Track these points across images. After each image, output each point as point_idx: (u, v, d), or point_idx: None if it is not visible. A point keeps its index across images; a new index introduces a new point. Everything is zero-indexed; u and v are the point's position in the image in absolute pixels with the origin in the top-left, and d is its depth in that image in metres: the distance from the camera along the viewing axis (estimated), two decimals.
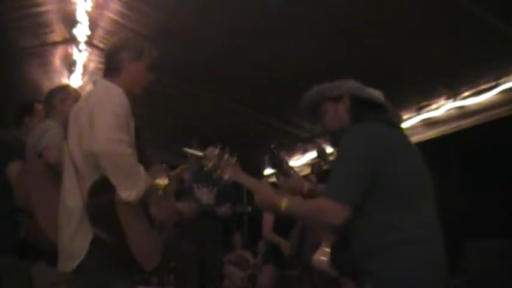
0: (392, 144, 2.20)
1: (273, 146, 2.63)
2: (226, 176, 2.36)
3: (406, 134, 2.38)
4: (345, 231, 2.15)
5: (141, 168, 2.36)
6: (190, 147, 3.48)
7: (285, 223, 4.90)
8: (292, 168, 2.69)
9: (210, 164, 2.37)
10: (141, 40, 2.77)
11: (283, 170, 2.63)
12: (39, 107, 3.83)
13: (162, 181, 2.56)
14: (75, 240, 2.37)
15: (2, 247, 3.61)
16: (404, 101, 5.78)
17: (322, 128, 2.46)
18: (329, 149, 6.47)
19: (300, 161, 7.91)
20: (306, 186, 2.59)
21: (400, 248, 2.05)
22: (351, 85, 2.36)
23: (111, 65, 2.63)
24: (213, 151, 2.37)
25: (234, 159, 2.38)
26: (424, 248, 2.08)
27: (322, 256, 2.70)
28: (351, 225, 2.11)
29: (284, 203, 2.19)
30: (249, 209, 5.58)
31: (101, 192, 2.29)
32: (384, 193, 2.10)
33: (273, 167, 2.66)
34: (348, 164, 2.14)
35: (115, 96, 2.43)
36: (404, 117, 5.82)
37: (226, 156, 2.37)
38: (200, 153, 2.45)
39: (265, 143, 7.40)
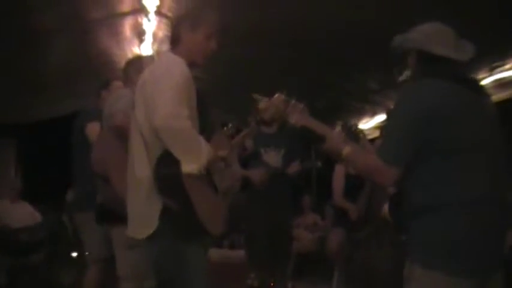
0: (450, 104, 2.09)
1: (352, 123, 2.64)
2: (292, 120, 2.37)
3: (481, 92, 2.26)
4: (399, 188, 2.15)
5: (202, 140, 2.42)
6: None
7: (353, 187, 4.89)
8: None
9: (275, 109, 2.41)
10: (204, 10, 2.80)
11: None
12: (116, 83, 4.02)
13: (223, 152, 2.61)
14: (146, 208, 2.49)
15: (81, 205, 3.87)
16: (476, 61, 5.54)
17: None
18: None
19: (369, 124, 7.82)
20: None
21: (445, 211, 2.02)
22: (419, 36, 2.22)
23: (172, 37, 2.72)
24: (280, 97, 2.40)
25: (301, 105, 2.40)
26: (471, 213, 2.02)
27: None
28: (402, 183, 2.11)
29: (345, 151, 2.20)
30: (319, 164, 5.54)
31: (168, 164, 2.37)
32: (435, 155, 2.05)
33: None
34: (396, 125, 2.13)
35: (175, 68, 2.50)
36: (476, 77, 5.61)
37: (292, 101, 2.40)
38: (267, 98, 2.48)
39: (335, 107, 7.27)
